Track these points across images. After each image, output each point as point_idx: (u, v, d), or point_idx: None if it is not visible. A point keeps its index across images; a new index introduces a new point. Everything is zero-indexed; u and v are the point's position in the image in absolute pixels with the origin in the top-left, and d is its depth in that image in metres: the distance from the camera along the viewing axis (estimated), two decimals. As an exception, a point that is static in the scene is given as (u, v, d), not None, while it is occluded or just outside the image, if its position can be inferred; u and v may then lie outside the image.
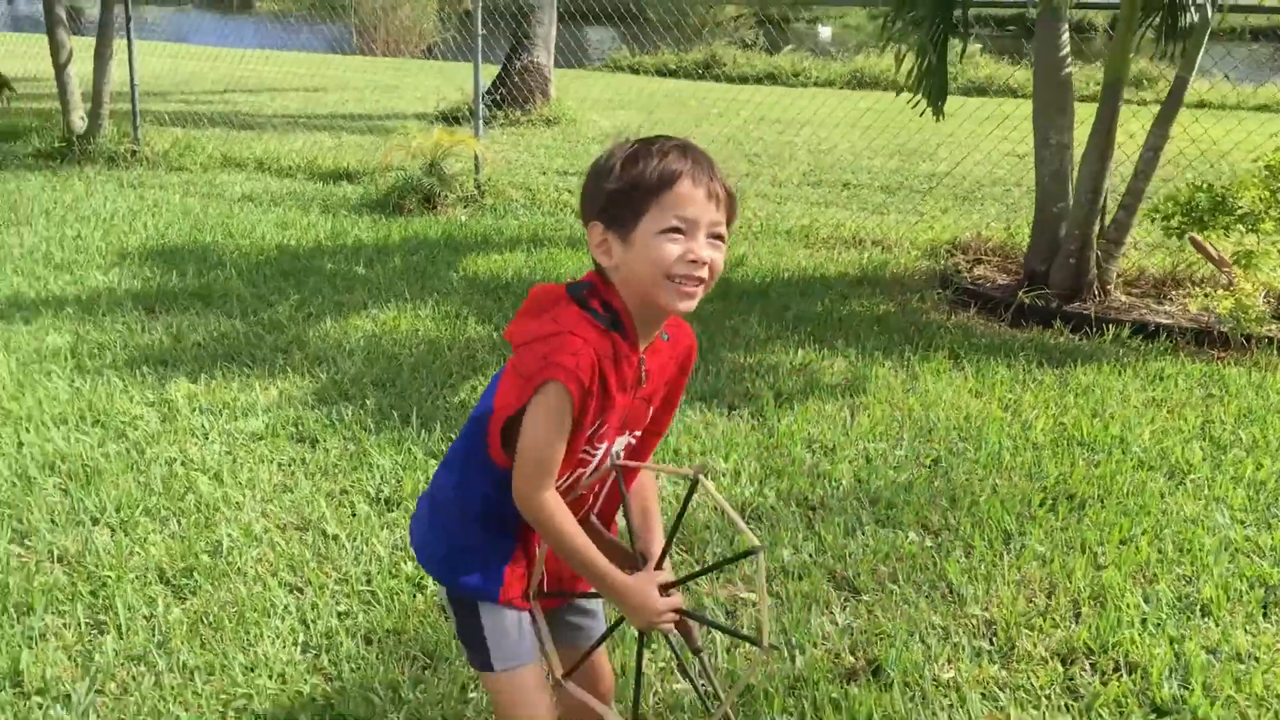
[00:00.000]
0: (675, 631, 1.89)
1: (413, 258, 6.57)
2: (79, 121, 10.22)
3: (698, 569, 1.89)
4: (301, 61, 21.15)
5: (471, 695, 2.64)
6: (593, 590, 1.98)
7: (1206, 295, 5.57)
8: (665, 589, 1.87)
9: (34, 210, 7.73)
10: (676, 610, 1.85)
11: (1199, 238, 5.95)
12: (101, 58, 9.84)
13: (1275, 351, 5.12)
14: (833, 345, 5.19)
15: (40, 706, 2.59)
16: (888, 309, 5.81)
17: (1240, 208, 5.42)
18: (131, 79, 10.17)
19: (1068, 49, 6.09)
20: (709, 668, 2.09)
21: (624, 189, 1.77)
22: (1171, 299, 6.03)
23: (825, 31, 33.05)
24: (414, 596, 3.05)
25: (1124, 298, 6.04)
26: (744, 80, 19.44)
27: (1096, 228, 5.91)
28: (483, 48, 8.61)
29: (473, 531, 1.95)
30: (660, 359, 1.91)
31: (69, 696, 2.62)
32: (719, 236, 1.79)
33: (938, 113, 5.90)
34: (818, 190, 9.27)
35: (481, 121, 8.75)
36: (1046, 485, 3.78)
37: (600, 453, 1.89)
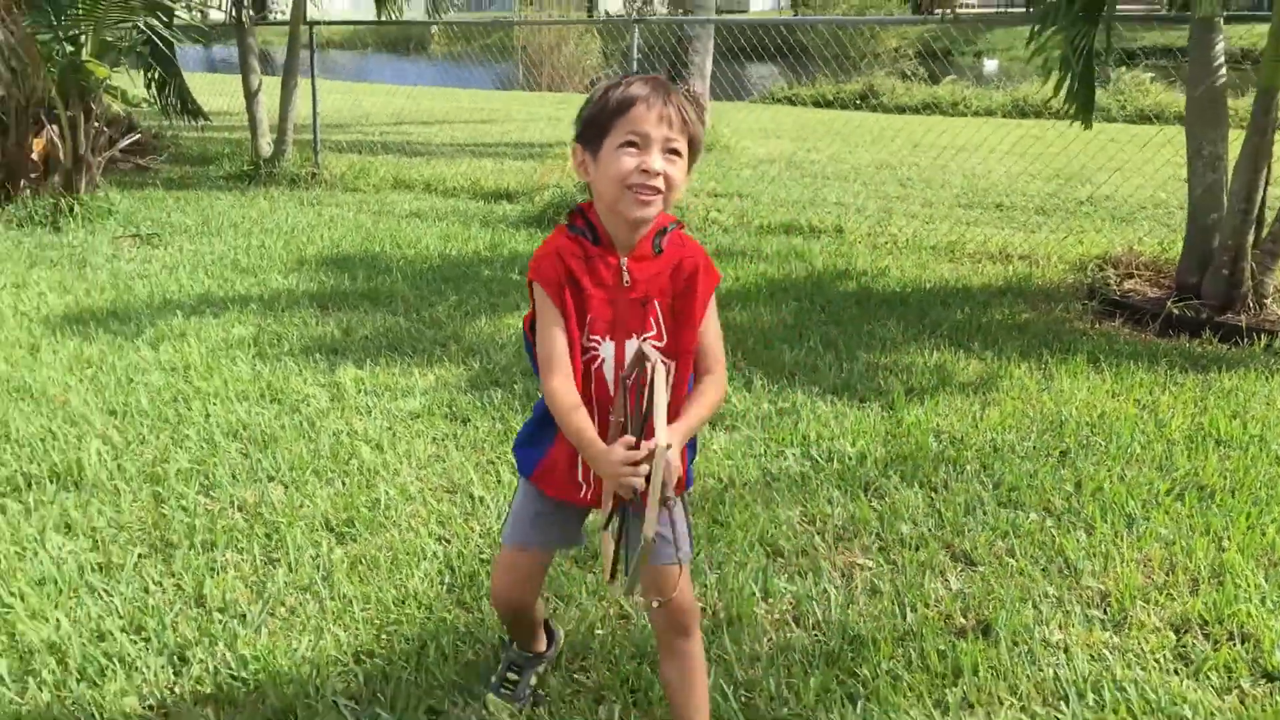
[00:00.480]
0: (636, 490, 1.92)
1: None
2: (266, 147, 11.03)
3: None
4: (471, 96, 22.15)
5: (598, 631, 2.86)
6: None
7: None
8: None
9: (224, 224, 8.40)
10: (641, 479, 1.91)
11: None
12: (287, 88, 10.61)
13: None
14: (969, 348, 5.25)
15: (220, 621, 2.93)
16: (1029, 317, 5.82)
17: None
18: (314, 109, 10.93)
19: (1221, 59, 6.01)
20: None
21: (595, 113, 2.07)
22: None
23: (991, 64, 32.53)
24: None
25: (1278, 309, 5.90)
26: (901, 110, 19.36)
27: (1251, 238, 5.80)
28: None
29: (532, 421, 2.30)
30: (649, 268, 2.12)
31: (245, 615, 2.96)
32: (674, 151, 2.04)
33: (1086, 122, 5.90)
34: (969, 211, 9.24)
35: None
36: (1176, 477, 3.78)
37: (598, 347, 2.12)
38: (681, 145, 2.05)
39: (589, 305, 2.10)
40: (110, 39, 8.61)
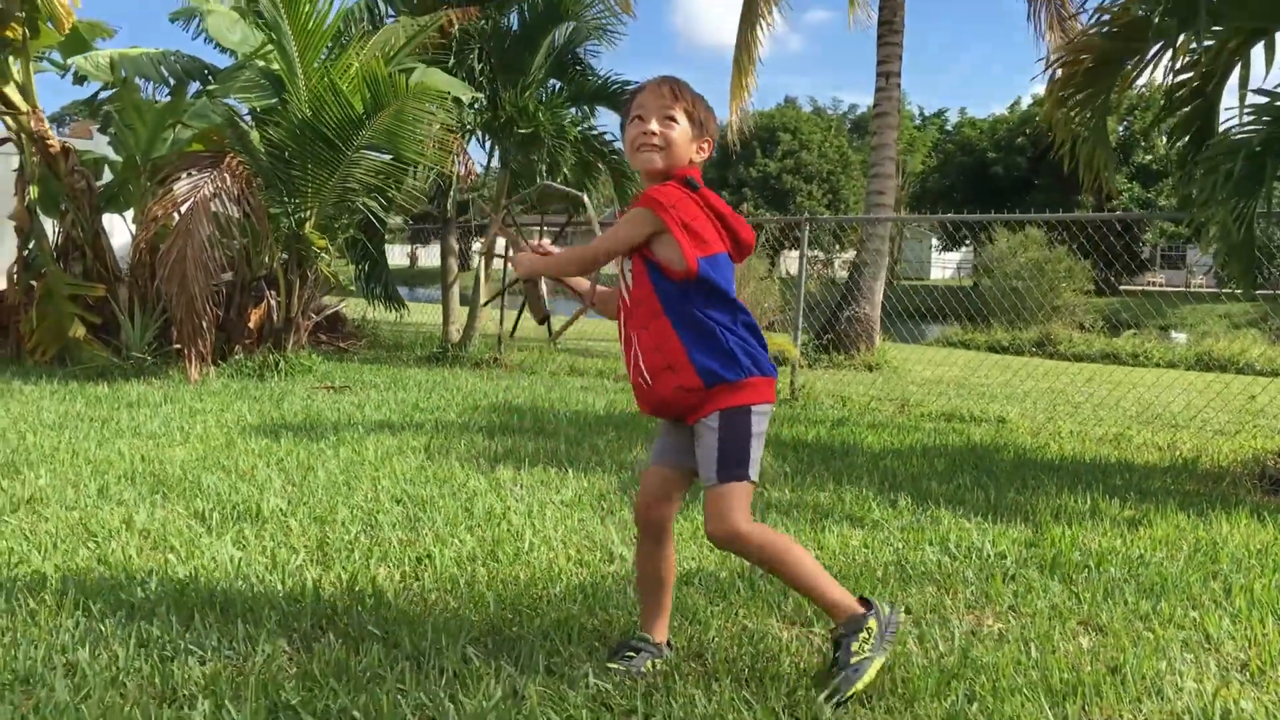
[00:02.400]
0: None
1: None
2: (455, 333, 11.87)
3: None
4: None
5: (712, 636, 2.93)
6: None
7: None
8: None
9: (409, 383, 9.04)
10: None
11: None
12: (481, 279, 11.50)
13: None
14: (1124, 497, 5.16)
15: (370, 596, 3.14)
16: (1192, 488, 5.68)
17: None
18: (502, 301, 11.76)
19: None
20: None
21: (621, 117, 2.81)
22: None
23: (1180, 338, 32.07)
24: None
25: None
26: (1078, 358, 19.19)
27: None
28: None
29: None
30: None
31: (388, 599, 3.16)
32: (670, 119, 2.64)
33: (1246, 288, 5.90)
34: (1143, 424, 9.08)
35: (800, 331, 9.43)
36: (1336, 591, 3.62)
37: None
38: (677, 114, 2.64)
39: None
40: (331, 213, 9.61)
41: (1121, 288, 32.09)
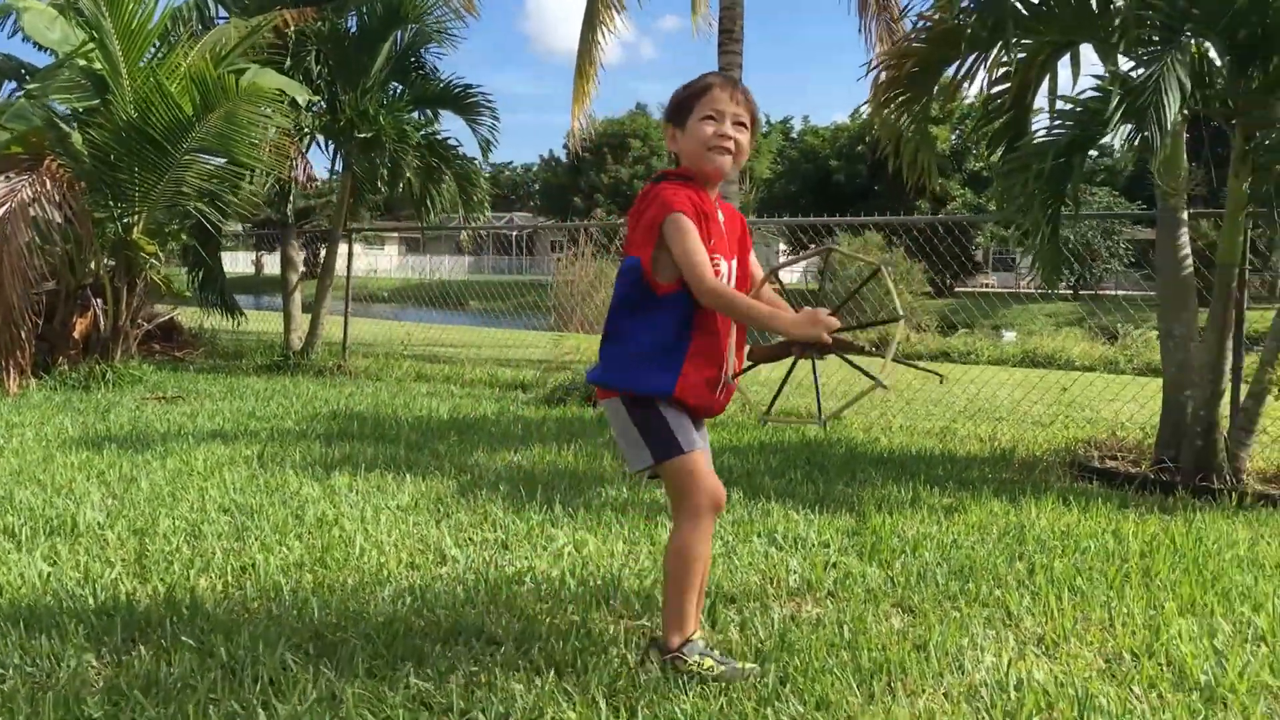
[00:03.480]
0: (832, 347, 2.55)
1: (566, 425, 7.18)
2: (296, 341, 11.60)
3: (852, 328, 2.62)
4: (504, 335, 23.00)
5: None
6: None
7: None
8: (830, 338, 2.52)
9: (247, 392, 8.80)
10: (832, 333, 2.50)
11: (1338, 433, 5.95)
12: (323, 284, 11.28)
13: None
14: (944, 487, 5.40)
15: (187, 609, 3.06)
16: (1008, 476, 5.98)
17: (1358, 375, 5.47)
18: (346, 307, 11.55)
19: (1187, 248, 6.42)
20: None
21: (682, 98, 2.75)
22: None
23: (1010, 336, 33.57)
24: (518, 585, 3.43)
25: (1258, 485, 6.01)
26: (915, 357, 19.91)
27: (1224, 411, 6.00)
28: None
29: (650, 351, 2.64)
30: (725, 212, 2.79)
31: (209, 611, 3.09)
32: (741, 124, 2.70)
33: (1050, 284, 6.23)
34: (968, 417, 9.50)
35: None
36: (1130, 563, 3.88)
37: (722, 267, 2.67)
38: (747, 120, 2.70)
39: (712, 231, 2.64)
40: (162, 218, 9.29)
41: (957, 289, 33.43)
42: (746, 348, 2.81)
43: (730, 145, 2.66)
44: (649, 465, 2.69)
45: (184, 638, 2.81)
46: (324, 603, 3.19)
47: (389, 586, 3.38)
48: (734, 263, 2.75)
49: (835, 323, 2.48)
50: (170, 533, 4.00)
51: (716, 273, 2.61)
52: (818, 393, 2.67)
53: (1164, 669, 2.86)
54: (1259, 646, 3.05)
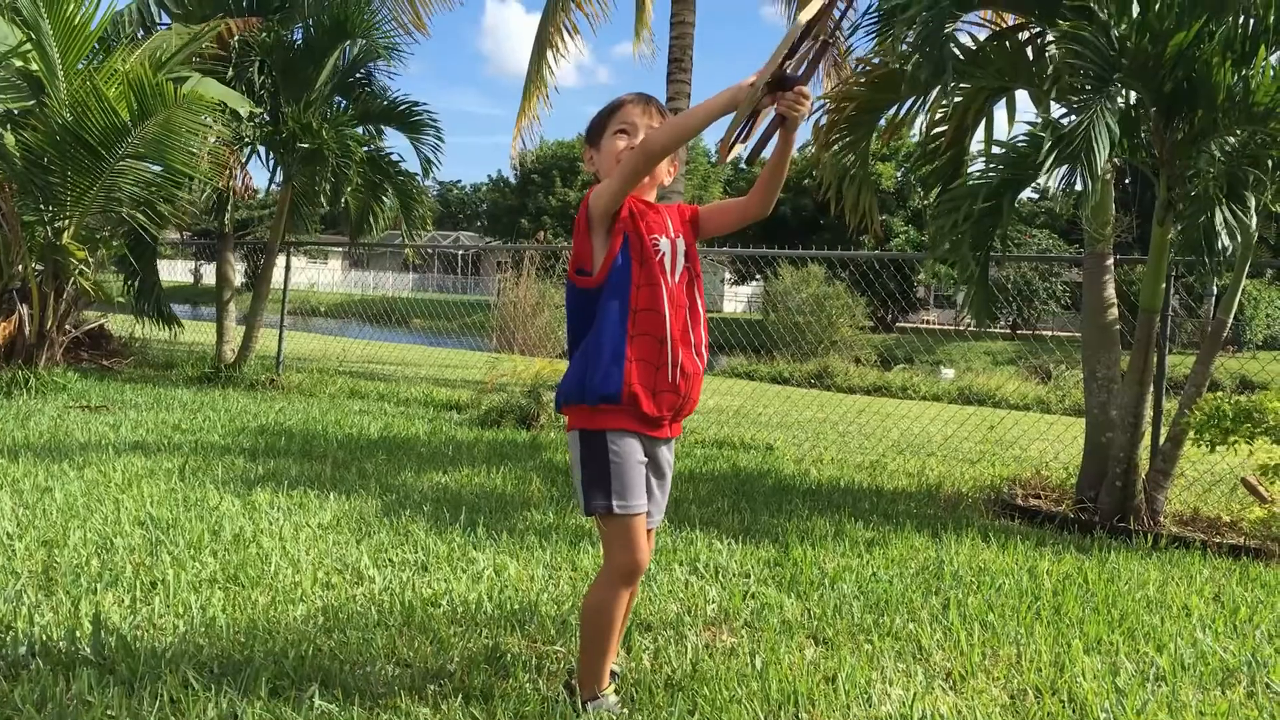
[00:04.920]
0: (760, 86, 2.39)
1: (497, 448, 7.14)
2: (229, 353, 11.44)
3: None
4: (446, 354, 22.88)
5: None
6: None
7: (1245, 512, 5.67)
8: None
9: (174, 404, 8.66)
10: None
11: (1252, 479, 6.10)
12: (259, 296, 11.15)
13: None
14: (868, 520, 5.46)
15: (90, 624, 3.00)
16: (932, 512, 6.05)
17: (1268, 421, 5.61)
18: (281, 322, 11.42)
19: (1111, 290, 6.57)
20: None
21: (596, 120, 2.75)
22: (1223, 534, 6.09)
23: (948, 373, 34.02)
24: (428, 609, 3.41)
25: (1174, 528, 6.13)
26: (851, 391, 20.10)
27: (1144, 454, 6.13)
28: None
29: (595, 351, 2.56)
30: (669, 209, 2.75)
31: (116, 628, 3.03)
32: (653, 129, 2.62)
33: (980, 323, 6.34)
34: (899, 452, 9.60)
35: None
36: (1042, 600, 3.94)
37: (661, 244, 2.62)
38: (660, 123, 2.65)
39: (649, 215, 2.63)
40: (94, 223, 9.13)
41: (898, 325, 33.86)
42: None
43: None
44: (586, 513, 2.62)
45: (86, 654, 2.75)
46: (233, 620, 3.14)
47: (302, 606, 3.34)
48: (679, 240, 2.66)
49: (751, 77, 2.41)
50: (81, 545, 3.91)
51: (657, 251, 2.58)
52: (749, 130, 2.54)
53: (1065, 705, 2.90)
54: (1159, 686, 3.12)
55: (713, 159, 55.65)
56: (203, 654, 2.84)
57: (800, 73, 2.40)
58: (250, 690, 2.59)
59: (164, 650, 2.82)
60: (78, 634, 2.92)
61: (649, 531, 2.68)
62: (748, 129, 2.49)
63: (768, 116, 2.50)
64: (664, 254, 2.59)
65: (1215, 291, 6.42)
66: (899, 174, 41.60)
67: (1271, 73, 5.20)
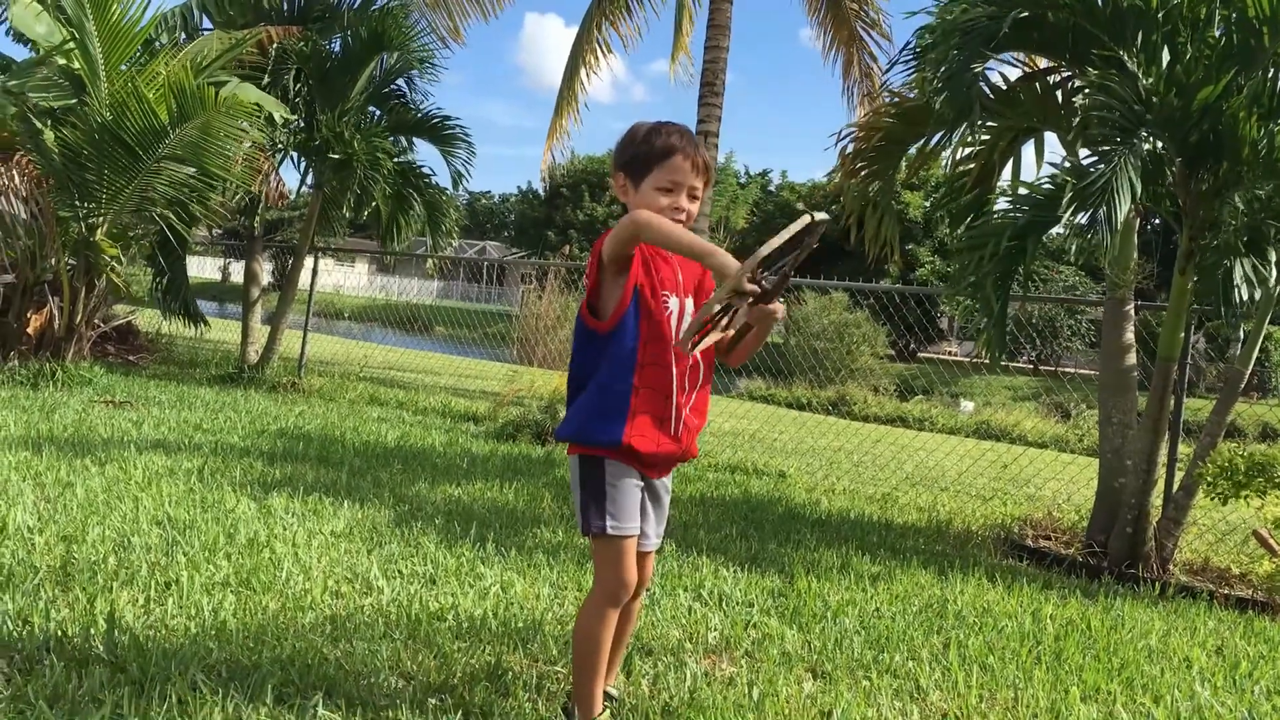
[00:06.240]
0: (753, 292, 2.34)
1: (512, 463, 7.21)
2: (253, 354, 11.56)
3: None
4: (466, 364, 23.02)
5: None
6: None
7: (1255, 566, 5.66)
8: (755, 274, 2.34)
9: (196, 402, 8.77)
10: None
11: (1264, 532, 6.10)
12: (285, 299, 11.27)
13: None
14: (875, 555, 5.48)
15: (104, 621, 3.07)
16: (941, 548, 6.07)
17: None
18: (305, 326, 11.53)
19: (1130, 335, 6.59)
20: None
21: (641, 153, 2.65)
22: (1232, 585, 6.08)
23: (968, 407, 33.88)
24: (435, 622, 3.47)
25: (1183, 577, 6.12)
26: (867, 419, 20.06)
27: (1156, 501, 6.13)
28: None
29: (598, 395, 2.59)
30: (684, 262, 2.70)
31: (130, 627, 3.10)
32: (695, 196, 2.65)
33: (995, 361, 6.34)
34: (912, 485, 9.61)
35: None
36: (1044, 644, 3.96)
37: (671, 303, 2.63)
38: (700, 188, 2.65)
39: (661, 269, 2.63)
40: (127, 221, 9.27)
41: (920, 355, 33.79)
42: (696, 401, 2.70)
43: (683, 218, 2.60)
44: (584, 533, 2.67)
45: (99, 651, 2.82)
46: (243, 625, 3.21)
47: (311, 614, 3.40)
48: (689, 301, 2.67)
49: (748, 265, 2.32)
50: (99, 542, 3.99)
51: (666, 309, 2.60)
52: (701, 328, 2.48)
53: (1059, 753, 2.93)
54: (1152, 738, 3.14)
55: (742, 180, 55.83)
56: (212, 657, 2.90)
57: (772, 285, 2.36)
58: (256, 696, 2.65)
59: (175, 651, 2.88)
60: (92, 631, 2.99)
61: (646, 555, 2.74)
62: (713, 326, 2.48)
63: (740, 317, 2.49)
64: (672, 312, 2.63)
65: (1242, 337, 6.40)
66: (926, 203, 41.56)
67: (1297, 129, 5.23)
